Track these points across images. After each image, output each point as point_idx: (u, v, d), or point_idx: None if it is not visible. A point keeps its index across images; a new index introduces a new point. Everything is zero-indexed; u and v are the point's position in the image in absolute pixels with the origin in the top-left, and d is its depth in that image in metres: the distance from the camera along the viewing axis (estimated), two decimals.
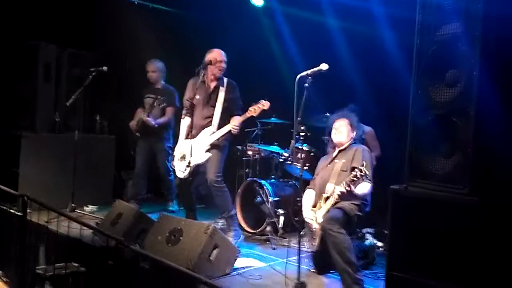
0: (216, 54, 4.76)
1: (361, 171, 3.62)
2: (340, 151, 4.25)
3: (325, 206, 3.95)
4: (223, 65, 4.77)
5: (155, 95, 5.84)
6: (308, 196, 4.29)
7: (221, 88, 4.80)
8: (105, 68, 5.57)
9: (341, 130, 4.24)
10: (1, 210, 4.79)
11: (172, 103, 5.84)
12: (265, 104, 4.49)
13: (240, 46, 6.58)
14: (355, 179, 3.66)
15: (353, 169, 3.80)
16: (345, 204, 3.90)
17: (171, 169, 5.67)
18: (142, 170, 5.91)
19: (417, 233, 2.97)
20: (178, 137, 4.98)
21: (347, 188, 3.71)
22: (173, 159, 4.97)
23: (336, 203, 3.89)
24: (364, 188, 3.88)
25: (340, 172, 4.04)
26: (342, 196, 3.82)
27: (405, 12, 3.65)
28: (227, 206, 4.71)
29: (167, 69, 6.09)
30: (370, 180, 3.88)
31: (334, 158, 4.24)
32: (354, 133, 4.29)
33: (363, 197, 3.98)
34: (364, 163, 3.74)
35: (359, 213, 3.99)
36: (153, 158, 5.96)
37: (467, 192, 2.76)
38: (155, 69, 5.90)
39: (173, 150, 5.12)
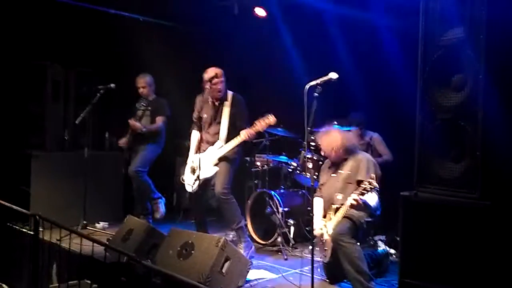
0: (211, 74, 4.69)
1: (370, 183, 3.60)
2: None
3: (335, 218, 3.92)
4: (219, 86, 4.72)
5: (146, 105, 5.90)
6: (318, 206, 4.27)
7: (225, 103, 4.81)
8: (112, 85, 5.62)
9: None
10: (13, 229, 4.84)
11: (162, 112, 5.85)
12: (271, 119, 4.51)
13: (244, 58, 6.62)
14: (364, 192, 3.65)
15: (359, 182, 3.78)
16: (354, 212, 3.87)
17: (143, 169, 5.65)
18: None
19: (429, 239, 2.95)
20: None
21: (357, 201, 3.69)
22: (183, 173, 4.99)
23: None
24: (372, 199, 3.86)
25: (346, 184, 4.02)
26: (352, 208, 3.81)
27: (408, 19, 3.66)
28: (236, 217, 4.70)
29: (173, 83, 6.13)
30: (377, 191, 3.85)
31: (338, 168, 4.20)
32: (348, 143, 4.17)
33: (372, 207, 3.96)
34: (373, 175, 3.72)
35: (370, 219, 3.97)
36: None
37: (478, 196, 2.75)
38: (144, 84, 5.92)
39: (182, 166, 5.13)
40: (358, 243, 3.74)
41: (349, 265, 3.61)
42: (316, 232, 4.06)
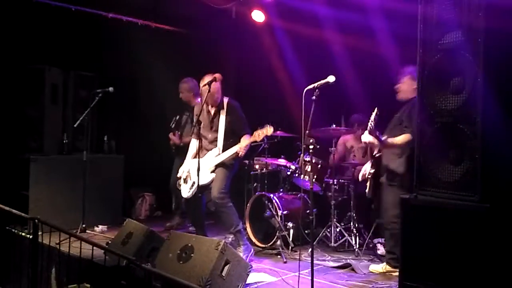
0: (208, 79, 4.63)
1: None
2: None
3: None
4: (216, 91, 4.72)
5: (188, 113, 5.95)
6: None
7: (221, 111, 4.83)
8: (111, 88, 5.61)
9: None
10: (12, 233, 4.83)
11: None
12: (268, 130, 4.54)
13: (243, 62, 6.65)
14: None
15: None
16: None
17: None
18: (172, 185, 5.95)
19: (429, 241, 2.96)
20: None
21: None
22: (179, 179, 4.99)
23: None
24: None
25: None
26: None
27: (406, 22, 3.69)
28: (233, 221, 4.71)
29: (171, 87, 6.14)
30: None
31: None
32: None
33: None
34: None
35: None
36: None
37: (478, 199, 2.76)
38: (182, 90, 5.92)
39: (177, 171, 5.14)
40: None
41: None
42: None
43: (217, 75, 4.66)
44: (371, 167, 4.45)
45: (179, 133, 6.01)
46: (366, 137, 4.15)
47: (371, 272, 4.39)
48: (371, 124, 4.00)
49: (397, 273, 4.14)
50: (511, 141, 2.86)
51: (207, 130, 4.87)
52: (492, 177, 2.78)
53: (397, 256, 4.13)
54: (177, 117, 6.07)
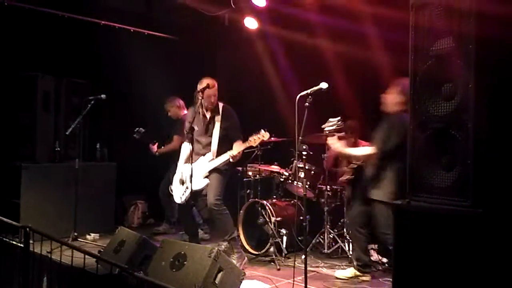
0: (205, 83, 4.69)
1: None
2: None
3: None
4: (212, 96, 4.74)
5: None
6: None
7: (216, 117, 4.82)
8: (103, 96, 5.60)
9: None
10: (3, 242, 4.77)
11: (179, 131, 5.87)
12: (264, 135, 4.54)
13: (236, 69, 6.66)
14: None
15: None
16: None
17: None
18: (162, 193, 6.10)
19: (422, 247, 2.96)
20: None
21: None
22: (171, 184, 4.97)
23: None
24: None
25: None
26: None
27: (397, 29, 3.71)
28: (228, 228, 4.69)
29: (164, 94, 6.17)
30: None
31: None
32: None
33: None
34: None
35: None
36: None
37: (470, 204, 2.76)
38: (168, 108, 6.24)
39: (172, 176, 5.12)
40: None
41: None
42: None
43: (210, 82, 4.68)
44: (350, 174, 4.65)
45: (157, 143, 6.22)
46: (331, 141, 4.21)
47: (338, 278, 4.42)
48: (328, 131, 3.98)
49: (365, 278, 4.21)
50: (503, 146, 2.88)
51: (202, 134, 4.85)
52: (484, 182, 2.79)
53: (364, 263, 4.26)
54: (140, 129, 6.19)
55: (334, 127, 3.98)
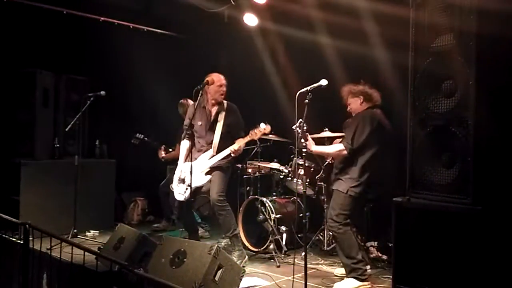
0: (216, 78, 4.71)
1: None
2: None
3: None
4: (224, 88, 4.75)
5: None
6: None
7: (221, 114, 4.81)
8: (103, 92, 5.59)
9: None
10: (2, 239, 4.78)
11: None
12: (266, 128, 4.53)
13: (236, 65, 6.64)
14: None
15: None
16: None
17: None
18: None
19: (422, 244, 2.96)
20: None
21: None
22: (172, 182, 4.96)
23: None
24: None
25: None
26: None
27: (398, 26, 3.70)
28: (231, 225, 4.69)
29: (163, 90, 6.15)
30: None
31: None
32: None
33: None
34: None
35: None
36: None
37: (470, 201, 2.76)
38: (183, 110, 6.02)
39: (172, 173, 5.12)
40: None
41: None
42: None
43: (210, 79, 4.67)
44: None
45: (163, 146, 6.18)
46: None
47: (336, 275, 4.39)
48: (297, 130, 3.93)
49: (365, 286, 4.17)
50: (503, 143, 2.87)
51: (205, 130, 4.83)
52: (484, 179, 2.79)
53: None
54: (139, 135, 6.19)
55: (299, 130, 3.92)
